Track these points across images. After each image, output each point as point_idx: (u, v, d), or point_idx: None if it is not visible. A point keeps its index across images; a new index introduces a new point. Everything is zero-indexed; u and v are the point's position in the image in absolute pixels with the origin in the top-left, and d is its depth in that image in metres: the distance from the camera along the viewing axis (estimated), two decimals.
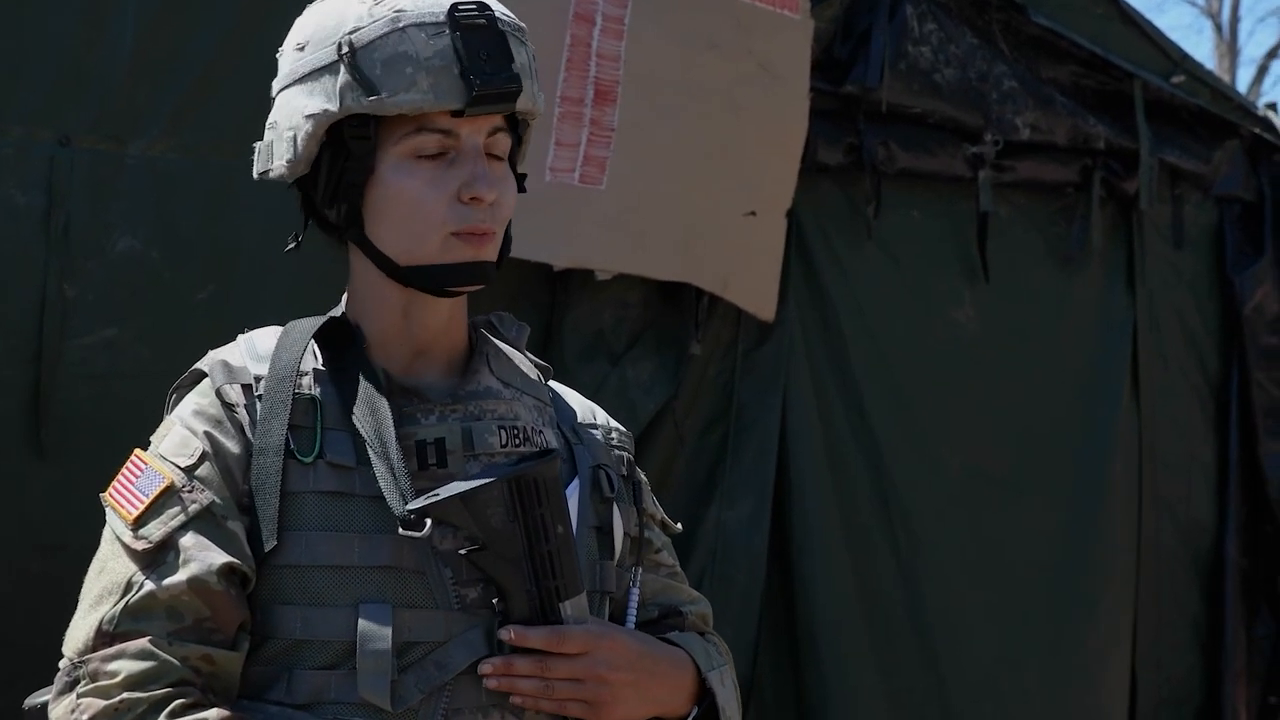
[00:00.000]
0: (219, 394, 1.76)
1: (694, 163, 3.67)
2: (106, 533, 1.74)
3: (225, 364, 1.78)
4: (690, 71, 3.64)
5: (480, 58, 1.72)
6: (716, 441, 3.89)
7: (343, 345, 1.80)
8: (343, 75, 1.73)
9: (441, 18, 1.73)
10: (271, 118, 1.82)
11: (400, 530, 1.69)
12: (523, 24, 1.81)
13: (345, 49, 1.73)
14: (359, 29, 1.74)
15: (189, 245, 3.19)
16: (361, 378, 1.76)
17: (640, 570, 1.90)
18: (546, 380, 1.94)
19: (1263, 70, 20.20)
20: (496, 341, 1.90)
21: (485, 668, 1.71)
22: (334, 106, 1.74)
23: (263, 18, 3.11)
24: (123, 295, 3.13)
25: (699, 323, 3.80)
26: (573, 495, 1.83)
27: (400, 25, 1.73)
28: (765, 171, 3.80)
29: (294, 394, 1.74)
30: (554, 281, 3.64)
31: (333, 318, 1.83)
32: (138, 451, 1.77)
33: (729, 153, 3.71)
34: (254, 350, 1.79)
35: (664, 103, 3.62)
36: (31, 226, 3.08)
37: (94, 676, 1.65)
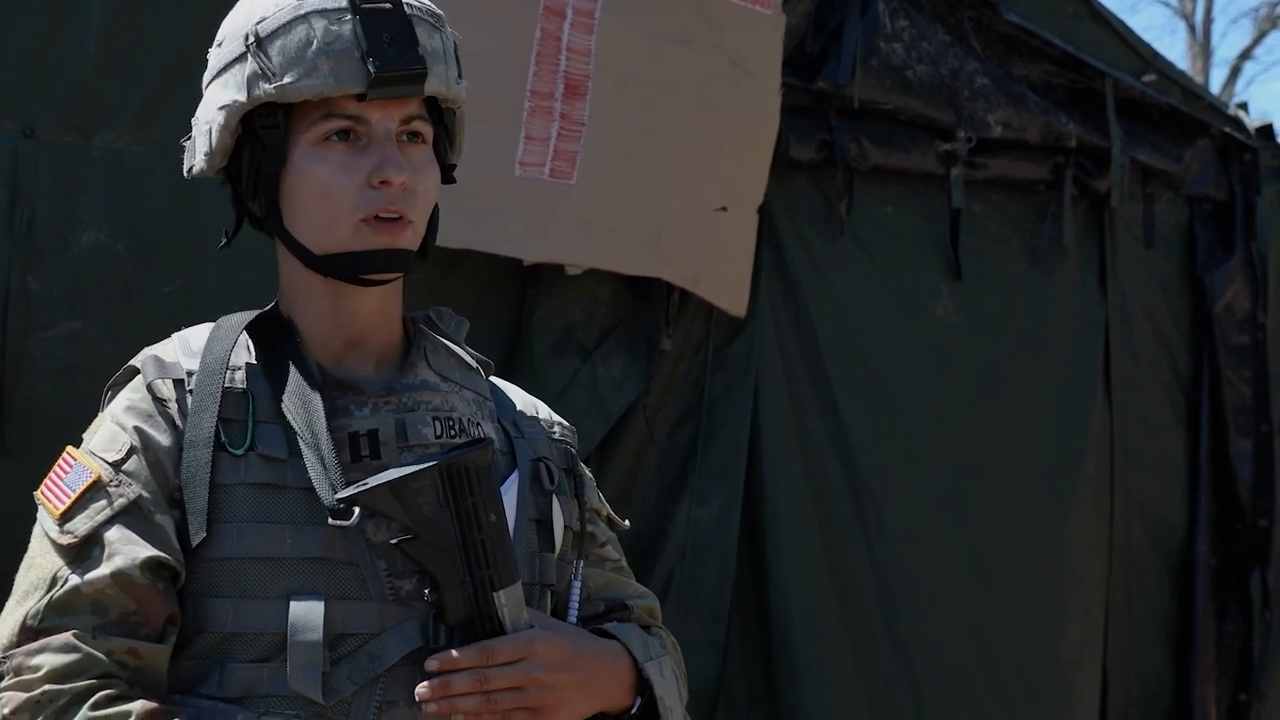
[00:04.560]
0: (150, 389, 1.76)
1: (665, 158, 3.66)
2: (36, 529, 1.74)
3: (157, 359, 1.78)
4: (661, 66, 3.63)
5: (383, 41, 1.73)
6: (687, 438, 3.88)
7: (276, 339, 1.80)
8: (249, 65, 1.75)
9: (343, 3, 1.75)
10: (195, 114, 1.84)
11: (330, 520, 1.69)
12: (438, 11, 1.82)
13: (251, 39, 1.76)
14: (265, 19, 1.76)
15: (154, 239, 3.16)
16: (294, 370, 1.76)
17: (583, 563, 1.90)
18: (487, 375, 1.94)
19: (1235, 71, 20.31)
20: (436, 336, 1.89)
21: (423, 691, 1.68)
22: (242, 97, 1.76)
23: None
24: (87, 289, 3.10)
25: (670, 318, 3.79)
26: (512, 487, 1.83)
27: (302, 12, 1.75)
28: (737, 167, 3.80)
29: (225, 387, 1.74)
30: (524, 276, 3.62)
31: (265, 312, 1.83)
32: (69, 448, 1.77)
33: (700, 148, 3.70)
34: (187, 346, 1.80)
35: (635, 98, 3.61)
36: None
37: (18, 671, 1.64)
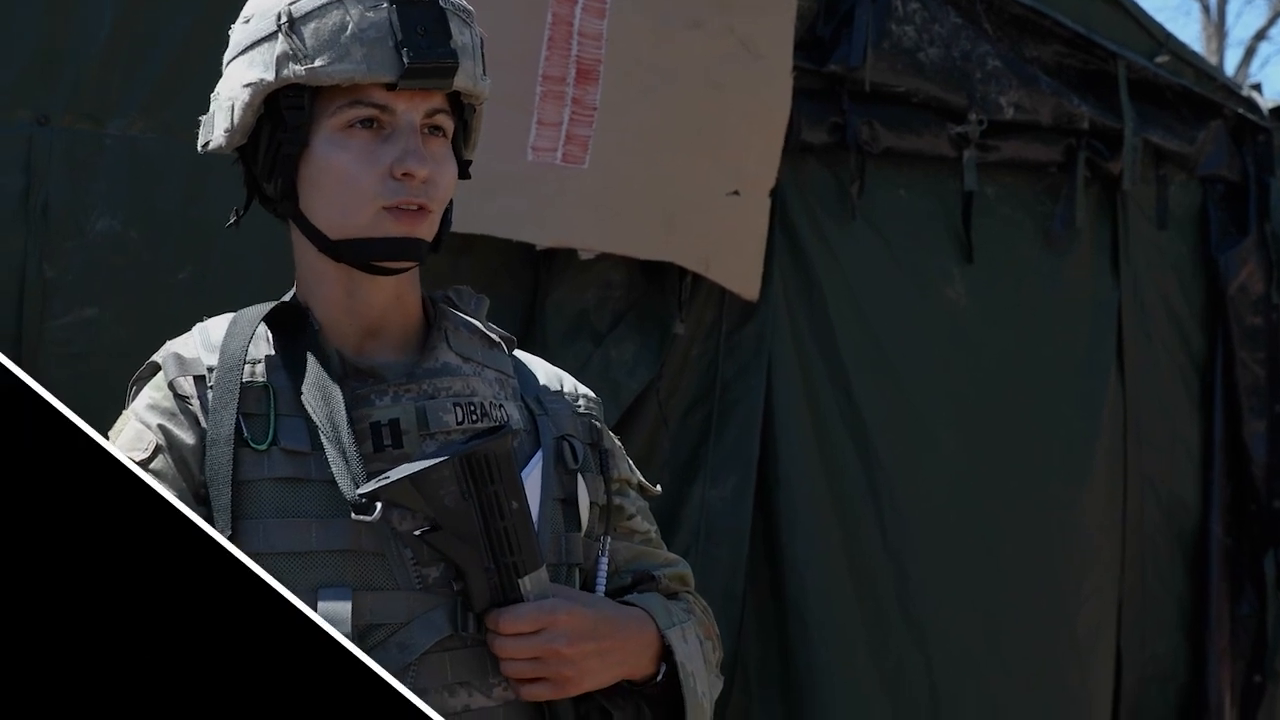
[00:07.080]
0: (172, 386, 1.76)
1: (677, 142, 3.66)
2: None
3: (178, 356, 1.79)
4: (673, 50, 3.63)
5: (417, 32, 1.73)
6: (700, 421, 3.88)
7: (294, 329, 1.79)
8: (280, 45, 1.74)
9: None
10: (216, 90, 1.83)
11: (353, 515, 1.69)
12: (469, 7, 1.81)
13: (284, 19, 1.74)
14: (298, 1, 1.75)
15: (168, 225, 3.17)
16: (313, 361, 1.75)
17: (610, 539, 1.89)
18: (510, 351, 1.92)
19: (1250, 52, 20.22)
20: (457, 314, 1.89)
21: None
22: (270, 76, 1.75)
23: None
24: (102, 275, 3.12)
25: (682, 302, 3.80)
26: (536, 468, 1.82)
27: None
28: (748, 150, 3.79)
29: (245, 382, 1.74)
30: (537, 261, 3.63)
31: (282, 302, 1.83)
32: None
33: (712, 132, 3.70)
34: (207, 340, 1.80)
35: (646, 81, 3.61)
36: (10, 207, 3.07)
37: None
